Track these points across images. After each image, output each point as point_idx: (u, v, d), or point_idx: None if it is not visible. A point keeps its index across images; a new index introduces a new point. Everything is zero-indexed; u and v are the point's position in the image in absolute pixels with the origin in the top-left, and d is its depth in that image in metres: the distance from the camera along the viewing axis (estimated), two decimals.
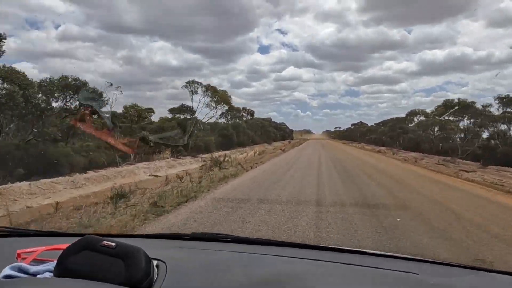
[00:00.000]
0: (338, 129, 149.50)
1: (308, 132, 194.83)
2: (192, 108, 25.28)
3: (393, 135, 43.78)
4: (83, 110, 16.32)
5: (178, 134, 18.64)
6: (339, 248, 1.44)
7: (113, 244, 0.95)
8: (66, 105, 17.72)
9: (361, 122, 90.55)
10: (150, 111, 23.94)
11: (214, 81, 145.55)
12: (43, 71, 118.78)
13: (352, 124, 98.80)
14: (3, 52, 14.54)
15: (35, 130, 16.11)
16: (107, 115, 16.20)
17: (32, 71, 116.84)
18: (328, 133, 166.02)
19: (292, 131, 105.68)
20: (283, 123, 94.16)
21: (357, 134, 76.28)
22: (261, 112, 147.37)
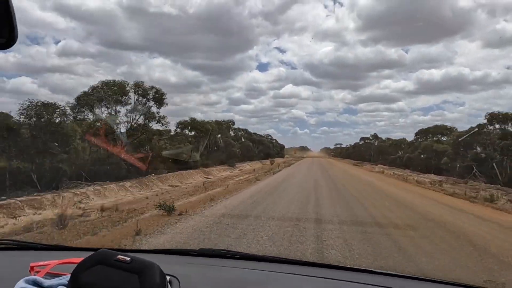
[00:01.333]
0: (338, 146, 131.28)
1: (305, 149, 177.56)
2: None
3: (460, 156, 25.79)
4: (98, 125, 16.50)
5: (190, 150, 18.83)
6: (349, 267, 1.45)
7: (128, 258, 0.93)
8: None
9: (375, 135, 66.97)
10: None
11: (212, 98, 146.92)
12: (42, 86, 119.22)
13: (362, 139, 75.00)
14: None
15: None
16: (122, 131, 16.39)
17: (31, 86, 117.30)
18: (326, 151, 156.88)
19: (283, 146, 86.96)
20: (269, 135, 71.82)
21: (370, 153, 58.64)
22: (259, 129, 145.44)
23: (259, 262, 1.50)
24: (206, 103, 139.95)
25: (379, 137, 64.20)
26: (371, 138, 67.69)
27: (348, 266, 1.39)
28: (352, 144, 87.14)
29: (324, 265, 1.49)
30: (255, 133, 57.23)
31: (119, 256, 0.93)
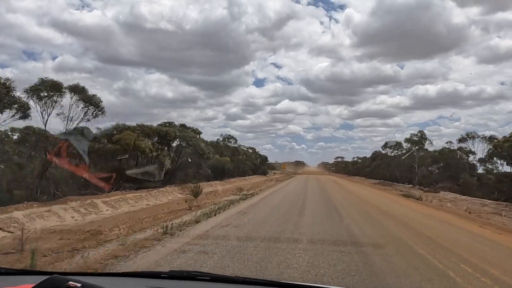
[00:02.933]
0: (340, 159, 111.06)
1: (300, 164, 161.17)
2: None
3: None
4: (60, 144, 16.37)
5: (156, 169, 18.49)
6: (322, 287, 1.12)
7: (78, 285, 0.90)
8: None
9: (397, 143, 45.02)
10: None
11: (209, 113, 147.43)
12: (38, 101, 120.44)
13: (375, 153, 55.95)
14: None
15: None
16: (84, 150, 16.22)
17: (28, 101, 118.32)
18: (324, 166, 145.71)
19: (265, 159, 68.38)
20: (250, 148, 57.21)
21: (395, 171, 38.18)
22: (256, 145, 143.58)
23: (230, 284, 1.47)
24: (202, 119, 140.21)
25: (421, 142, 38.49)
26: (391, 147, 46.38)
27: (323, 286, 1.09)
28: (359, 156, 72.16)
29: (295, 285, 1.44)
30: (224, 142, 45.39)
31: (70, 282, 0.92)
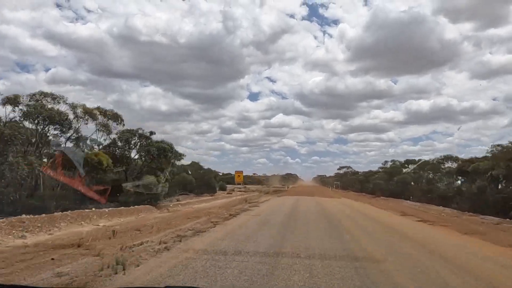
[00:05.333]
0: (346, 171, 75.59)
1: (293, 177, 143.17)
2: None
3: None
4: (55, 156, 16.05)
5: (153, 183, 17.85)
6: None
7: None
8: None
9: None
10: None
11: (204, 127, 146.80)
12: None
13: (390, 162, 46.88)
14: None
15: None
16: (80, 162, 15.92)
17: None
18: (321, 180, 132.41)
19: (215, 175, 48.17)
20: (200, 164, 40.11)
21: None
22: (250, 159, 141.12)
23: None
24: (197, 132, 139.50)
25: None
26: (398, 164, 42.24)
27: None
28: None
29: None
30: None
31: None
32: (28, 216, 10.04)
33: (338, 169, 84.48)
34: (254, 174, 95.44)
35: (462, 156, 32.10)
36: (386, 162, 50.50)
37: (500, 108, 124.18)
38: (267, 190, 52.86)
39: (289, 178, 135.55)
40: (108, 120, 18.52)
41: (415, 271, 6.20)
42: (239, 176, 46.28)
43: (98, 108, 18.24)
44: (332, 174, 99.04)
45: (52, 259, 6.16)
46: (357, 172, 66.66)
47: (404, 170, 39.27)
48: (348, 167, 76.20)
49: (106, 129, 18.31)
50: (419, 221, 15.84)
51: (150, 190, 16.67)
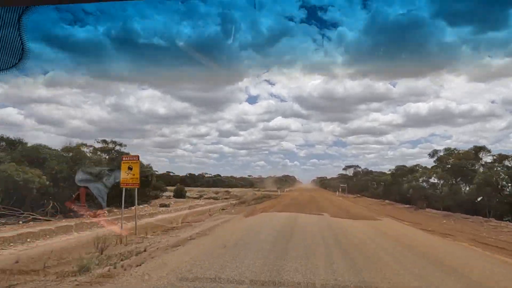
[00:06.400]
0: (355, 170, 60.73)
1: (291, 180, 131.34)
2: None
3: None
4: None
5: None
6: None
7: None
8: None
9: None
10: None
11: (202, 130, 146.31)
12: (28, 117, 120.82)
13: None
14: None
15: None
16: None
17: (18, 117, 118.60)
18: (321, 182, 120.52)
19: (150, 178, 26.13)
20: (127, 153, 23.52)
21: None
22: (248, 161, 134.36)
23: None
24: (195, 135, 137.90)
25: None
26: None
27: None
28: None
29: None
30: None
31: None
32: None
33: (344, 168, 66.59)
34: (249, 176, 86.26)
35: None
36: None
37: (498, 111, 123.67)
38: (251, 196, 40.27)
39: (287, 180, 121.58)
40: None
41: None
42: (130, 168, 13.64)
43: None
44: (334, 176, 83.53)
45: None
46: (371, 172, 51.46)
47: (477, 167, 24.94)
48: (357, 166, 60.93)
49: None
50: None
51: None
